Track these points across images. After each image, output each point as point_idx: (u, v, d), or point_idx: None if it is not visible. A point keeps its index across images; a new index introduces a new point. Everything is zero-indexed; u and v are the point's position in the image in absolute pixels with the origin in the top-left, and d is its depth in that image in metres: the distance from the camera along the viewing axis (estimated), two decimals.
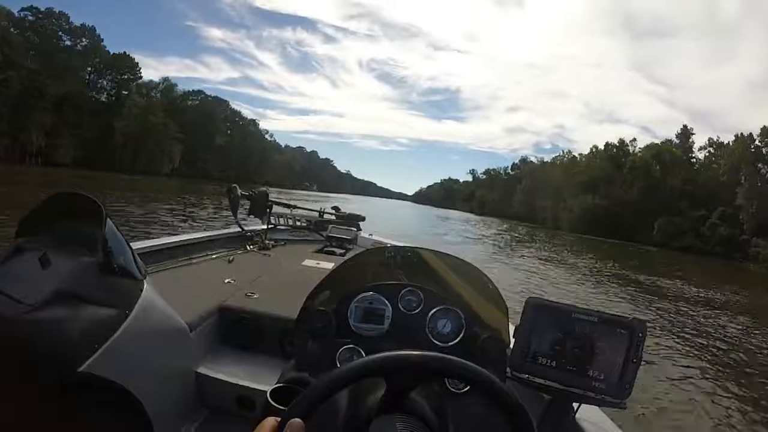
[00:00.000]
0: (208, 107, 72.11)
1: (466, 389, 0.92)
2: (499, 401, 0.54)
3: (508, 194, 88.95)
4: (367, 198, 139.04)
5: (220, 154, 69.65)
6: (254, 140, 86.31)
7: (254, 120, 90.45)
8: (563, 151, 76.82)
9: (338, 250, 3.21)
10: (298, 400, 0.51)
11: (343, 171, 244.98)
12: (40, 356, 0.91)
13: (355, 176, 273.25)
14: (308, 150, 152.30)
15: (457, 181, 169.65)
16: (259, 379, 1.35)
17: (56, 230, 1.04)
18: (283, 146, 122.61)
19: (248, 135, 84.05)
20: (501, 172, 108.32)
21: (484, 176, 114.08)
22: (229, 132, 76.77)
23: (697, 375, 5.33)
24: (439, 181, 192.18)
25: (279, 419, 0.47)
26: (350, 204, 7.34)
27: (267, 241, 3.06)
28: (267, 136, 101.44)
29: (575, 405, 0.95)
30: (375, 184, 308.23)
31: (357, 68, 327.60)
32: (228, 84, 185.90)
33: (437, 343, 1.06)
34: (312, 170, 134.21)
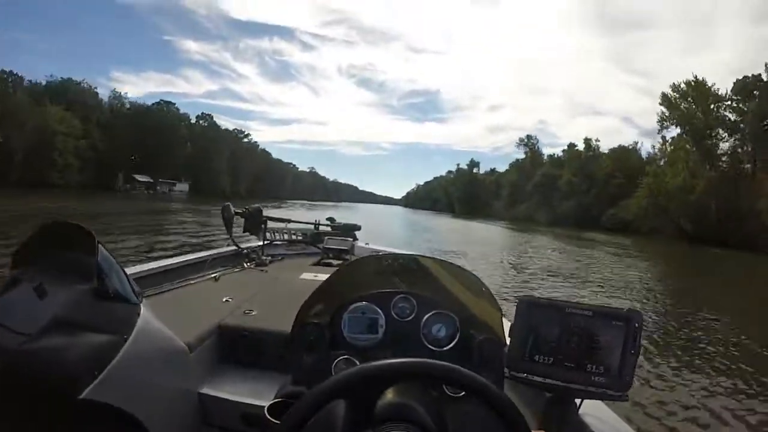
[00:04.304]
0: None
1: (463, 393, 0.91)
2: (484, 394, 0.57)
3: None
4: (338, 204, 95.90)
5: None
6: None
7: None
8: None
9: (335, 261, 3.12)
10: (288, 414, 0.53)
11: (304, 169, 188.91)
12: (41, 385, 0.91)
13: (322, 175, 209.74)
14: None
15: (474, 167, 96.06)
16: (262, 395, 1.32)
17: (50, 260, 1.05)
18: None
19: None
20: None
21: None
22: None
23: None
24: (445, 174, 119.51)
25: None
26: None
27: (264, 257, 3.01)
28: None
29: (578, 401, 0.93)
30: (356, 187, 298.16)
31: (336, 75, 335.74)
32: (208, 97, 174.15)
33: (432, 348, 1.08)
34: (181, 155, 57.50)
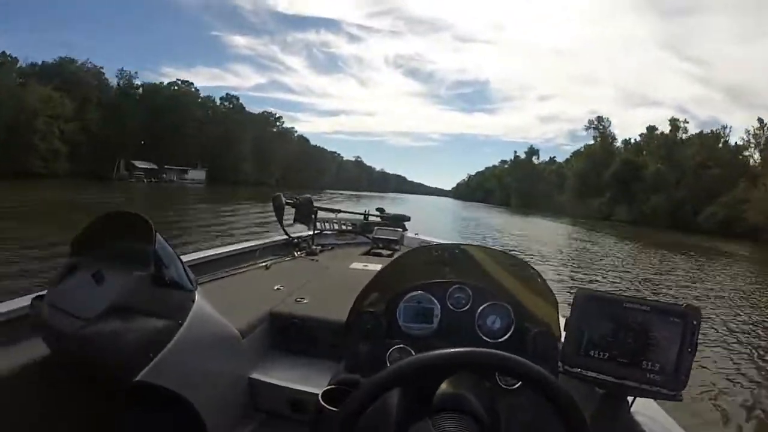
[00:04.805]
0: None
1: (517, 385, 0.91)
2: (546, 391, 0.56)
3: None
4: (384, 195, 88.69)
5: None
6: None
7: None
8: None
9: (385, 251, 3.12)
10: (348, 401, 0.54)
11: (350, 158, 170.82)
12: (98, 367, 0.97)
13: (369, 165, 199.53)
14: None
15: (533, 155, 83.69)
16: (311, 382, 1.35)
17: (108, 248, 1.09)
18: None
19: None
20: None
21: None
22: None
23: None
24: (498, 164, 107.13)
25: None
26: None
27: (314, 247, 3.03)
28: None
29: (630, 399, 0.89)
30: (404, 178, 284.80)
31: (384, 66, 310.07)
32: (257, 90, 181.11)
33: (487, 339, 1.06)
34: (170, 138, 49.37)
